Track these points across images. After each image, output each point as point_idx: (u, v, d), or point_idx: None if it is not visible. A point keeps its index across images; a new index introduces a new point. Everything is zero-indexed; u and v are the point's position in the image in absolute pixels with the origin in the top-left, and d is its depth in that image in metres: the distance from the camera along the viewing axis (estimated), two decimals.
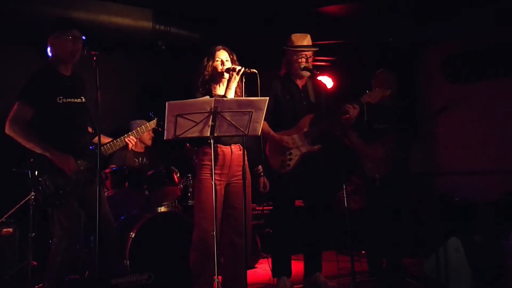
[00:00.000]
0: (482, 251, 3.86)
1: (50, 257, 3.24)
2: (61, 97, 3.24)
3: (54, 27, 3.34)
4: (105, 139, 3.49)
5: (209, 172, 3.35)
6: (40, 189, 3.14)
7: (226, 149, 3.47)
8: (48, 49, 3.34)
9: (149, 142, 5.14)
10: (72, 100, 3.30)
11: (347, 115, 3.88)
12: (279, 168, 3.95)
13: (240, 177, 3.43)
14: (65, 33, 3.27)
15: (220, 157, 3.44)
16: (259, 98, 3.13)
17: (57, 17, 4.21)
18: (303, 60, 3.99)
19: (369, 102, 3.95)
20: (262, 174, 3.72)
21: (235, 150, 3.51)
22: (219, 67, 3.48)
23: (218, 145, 3.43)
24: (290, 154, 3.95)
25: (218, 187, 3.35)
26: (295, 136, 3.97)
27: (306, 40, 4.04)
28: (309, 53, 4.02)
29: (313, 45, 4.06)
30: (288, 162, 3.94)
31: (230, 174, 3.49)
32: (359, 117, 3.95)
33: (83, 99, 3.39)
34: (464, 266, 3.78)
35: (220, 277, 3.28)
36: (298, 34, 4.05)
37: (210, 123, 3.05)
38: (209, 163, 3.33)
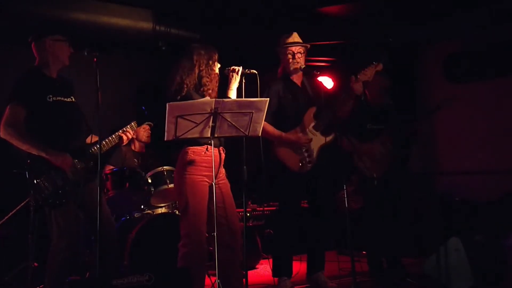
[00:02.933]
0: (483, 251, 3.87)
1: (49, 258, 3.23)
2: (51, 96, 3.24)
3: (50, 30, 3.35)
4: (95, 139, 3.43)
5: (197, 173, 3.30)
6: (39, 190, 3.13)
7: (215, 150, 3.39)
8: (36, 52, 3.33)
9: (147, 140, 5.09)
10: (62, 98, 3.31)
11: (350, 93, 3.88)
12: (300, 168, 3.91)
13: (222, 178, 3.46)
14: (63, 37, 3.31)
15: (211, 158, 3.30)
16: (259, 99, 3.14)
17: (46, 20, 4.23)
18: (290, 56, 4.01)
19: (366, 81, 3.97)
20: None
21: (222, 152, 3.47)
22: (217, 69, 3.45)
23: (208, 146, 3.33)
24: (307, 151, 3.94)
25: (205, 188, 3.33)
26: (305, 131, 3.97)
27: (292, 37, 4.06)
28: (296, 49, 4.02)
29: (311, 48, 4.08)
30: (309, 159, 3.93)
31: (216, 175, 3.37)
32: (358, 98, 3.96)
33: (73, 99, 3.39)
34: (465, 266, 3.78)
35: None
36: (286, 34, 4.08)
37: (210, 124, 3.06)
38: (203, 164, 3.29)
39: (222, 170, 3.48)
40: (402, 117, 4.50)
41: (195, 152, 3.32)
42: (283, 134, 3.94)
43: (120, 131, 3.48)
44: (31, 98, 3.19)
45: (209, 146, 3.32)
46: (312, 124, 3.99)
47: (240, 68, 3.38)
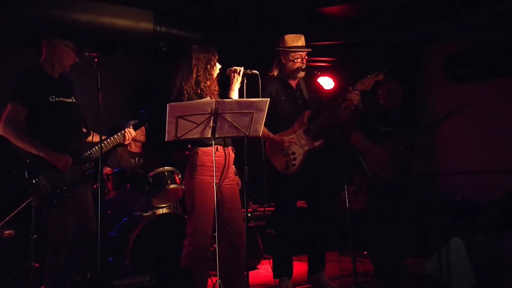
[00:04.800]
0: (484, 251, 3.87)
1: (47, 258, 3.25)
2: (53, 96, 3.28)
3: (63, 35, 3.43)
4: (97, 138, 3.46)
5: (207, 173, 3.31)
6: (37, 189, 3.16)
7: (222, 151, 3.42)
8: (45, 50, 3.39)
9: (142, 138, 5.09)
10: (64, 99, 3.35)
11: (347, 102, 3.88)
12: (285, 169, 3.95)
13: (231, 178, 3.47)
14: (73, 46, 3.40)
15: (221, 159, 3.40)
16: (260, 99, 3.14)
17: (60, 26, 4.28)
18: (299, 60, 4.00)
19: (364, 90, 3.96)
20: (236, 173, 3.72)
21: (231, 152, 3.49)
22: (216, 72, 3.45)
23: (218, 146, 3.36)
24: (294, 153, 3.96)
25: (213, 189, 3.30)
26: (295, 135, 3.98)
27: (301, 41, 4.05)
28: (303, 54, 4.03)
29: (307, 46, 4.08)
30: (293, 162, 3.95)
31: (223, 176, 3.43)
32: (356, 107, 3.96)
33: (74, 100, 3.44)
34: (466, 266, 3.78)
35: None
36: (292, 35, 4.05)
37: (211, 124, 3.05)
38: (209, 164, 3.29)
39: (231, 171, 3.49)
40: (411, 124, 4.53)
41: (205, 152, 3.34)
42: (271, 135, 3.96)
43: (123, 131, 3.53)
44: (32, 97, 3.22)
45: (219, 147, 3.36)
46: (303, 128, 3.99)
47: (242, 69, 3.37)
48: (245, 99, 3.30)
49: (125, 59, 5.68)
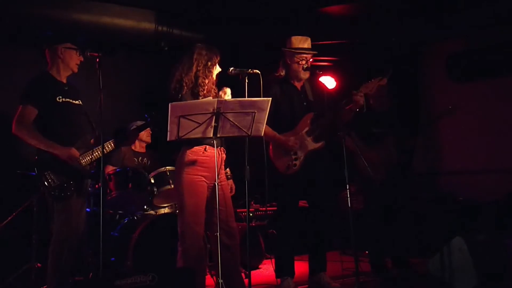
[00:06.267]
0: (486, 251, 3.86)
1: (49, 253, 3.28)
2: (61, 97, 3.42)
3: (62, 38, 3.52)
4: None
5: (196, 173, 3.30)
6: (45, 183, 3.26)
7: (217, 150, 3.35)
8: (49, 57, 3.51)
9: (148, 139, 5.12)
10: (71, 100, 3.48)
11: (351, 105, 3.88)
12: (286, 170, 3.96)
13: (222, 179, 3.45)
14: (74, 46, 3.49)
15: (209, 158, 3.34)
16: (261, 98, 3.13)
17: (61, 27, 4.35)
18: (303, 62, 4.01)
19: (367, 94, 3.96)
20: (230, 176, 3.68)
21: (222, 153, 3.47)
22: (215, 72, 3.44)
23: (206, 146, 3.33)
24: (295, 154, 3.96)
25: (203, 188, 3.32)
26: (298, 136, 3.98)
27: (307, 43, 4.05)
28: (309, 56, 4.04)
29: (313, 48, 4.08)
30: (294, 162, 3.96)
31: (214, 177, 3.35)
32: (360, 110, 3.96)
33: (81, 102, 3.56)
34: (468, 265, 3.78)
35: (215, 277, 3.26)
36: (299, 37, 4.05)
37: (213, 124, 3.05)
38: (201, 163, 3.29)
39: (222, 172, 3.48)
40: (404, 124, 4.52)
41: (193, 152, 3.32)
42: (277, 135, 3.97)
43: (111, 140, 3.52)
44: (41, 99, 3.36)
45: (207, 146, 3.33)
46: (306, 129, 3.99)
47: (228, 91, 3.35)
48: (247, 98, 3.29)
49: (127, 59, 5.68)
